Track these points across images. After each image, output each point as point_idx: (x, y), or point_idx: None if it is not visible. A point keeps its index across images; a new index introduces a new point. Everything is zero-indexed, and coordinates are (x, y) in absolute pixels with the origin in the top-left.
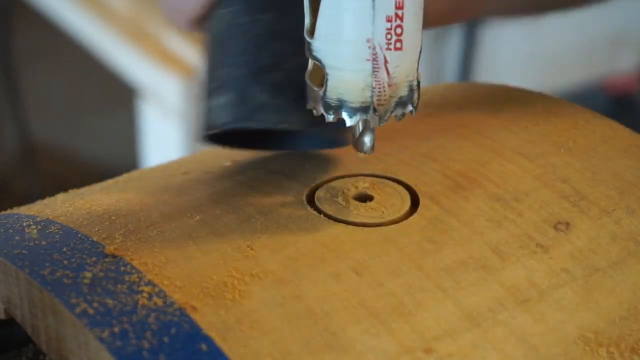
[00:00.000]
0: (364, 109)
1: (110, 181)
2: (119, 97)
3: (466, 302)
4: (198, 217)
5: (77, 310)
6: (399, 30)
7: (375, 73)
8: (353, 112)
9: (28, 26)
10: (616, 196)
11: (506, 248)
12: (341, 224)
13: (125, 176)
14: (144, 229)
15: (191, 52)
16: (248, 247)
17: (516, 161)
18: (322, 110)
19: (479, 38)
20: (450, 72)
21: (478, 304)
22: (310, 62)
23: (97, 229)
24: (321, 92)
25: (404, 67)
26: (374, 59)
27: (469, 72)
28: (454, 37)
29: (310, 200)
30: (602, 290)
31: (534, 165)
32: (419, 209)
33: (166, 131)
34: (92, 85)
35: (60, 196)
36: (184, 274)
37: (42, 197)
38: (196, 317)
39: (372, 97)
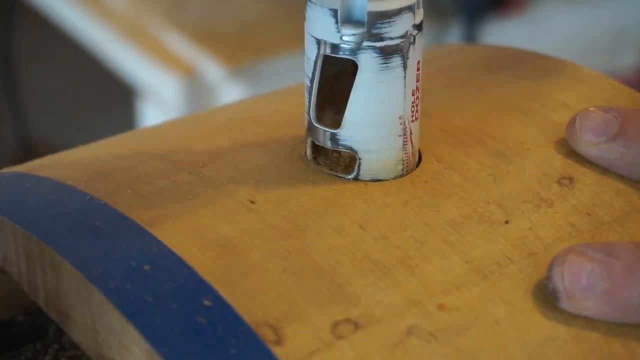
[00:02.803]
0: None
1: (106, 140)
2: (119, 96)
3: (472, 256)
4: (197, 173)
5: (79, 262)
6: (417, 102)
7: (405, 146)
8: None
9: (28, 26)
10: None
11: (510, 202)
12: (343, 178)
13: (121, 135)
14: (144, 184)
15: (191, 52)
16: (249, 201)
17: (517, 117)
18: None
19: (479, 38)
20: None
21: (484, 257)
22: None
23: (93, 185)
24: (351, 177)
25: (417, 133)
26: (403, 134)
27: None
28: (454, 37)
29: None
30: None
31: (536, 121)
32: (420, 164)
33: None
34: (92, 85)
35: (55, 155)
36: (185, 228)
37: None
38: (200, 269)
39: (402, 169)
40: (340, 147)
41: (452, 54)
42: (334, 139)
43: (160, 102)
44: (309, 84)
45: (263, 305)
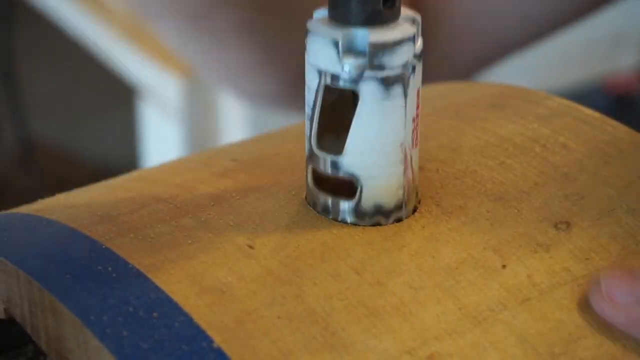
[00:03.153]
0: (398, 208)
1: (112, 180)
2: (119, 97)
3: (466, 302)
4: (198, 217)
5: (77, 308)
6: (417, 128)
7: (406, 172)
8: (389, 213)
9: (28, 26)
10: (616, 196)
11: (506, 247)
12: (341, 223)
13: (127, 175)
14: (144, 228)
15: None
16: (248, 246)
17: (517, 159)
18: (353, 219)
19: None
20: None
21: (478, 304)
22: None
23: (96, 228)
24: (353, 204)
25: (416, 159)
26: (404, 160)
27: None
28: None
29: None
30: None
31: (535, 163)
32: (419, 209)
33: (166, 131)
34: (92, 85)
35: (61, 195)
36: (184, 273)
37: (42, 197)
38: (197, 316)
39: (403, 194)
40: (341, 174)
41: (453, 92)
42: (335, 166)
43: (160, 102)
44: (310, 113)
45: (257, 351)
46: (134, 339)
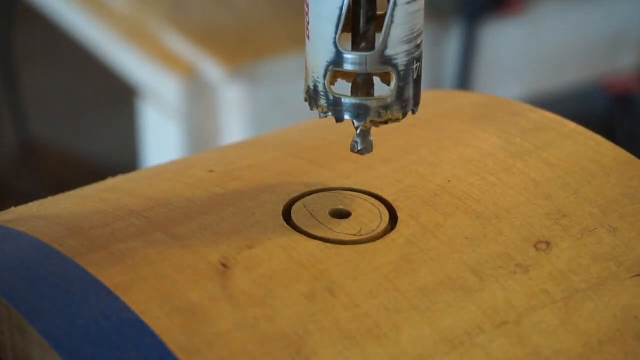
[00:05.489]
0: None
1: (87, 189)
2: (119, 97)
3: (443, 325)
4: (172, 232)
5: (44, 328)
6: None
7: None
8: None
9: (28, 26)
10: (598, 214)
11: (485, 268)
12: (317, 241)
13: (101, 184)
14: (116, 243)
15: (191, 52)
16: (222, 264)
17: (498, 176)
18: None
19: (479, 38)
20: (449, 73)
21: (455, 327)
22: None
23: (68, 243)
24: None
25: None
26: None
27: (469, 72)
28: (454, 37)
29: (287, 216)
30: (581, 313)
31: (516, 181)
32: (397, 226)
33: (166, 131)
34: (92, 85)
35: (34, 204)
36: (155, 293)
37: (42, 197)
38: (166, 337)
39: None
40: (386, 68)
41: (437, 102)
42: (382, 59)
43: (160, 102)
44: (339, 13)
45: None
46: None
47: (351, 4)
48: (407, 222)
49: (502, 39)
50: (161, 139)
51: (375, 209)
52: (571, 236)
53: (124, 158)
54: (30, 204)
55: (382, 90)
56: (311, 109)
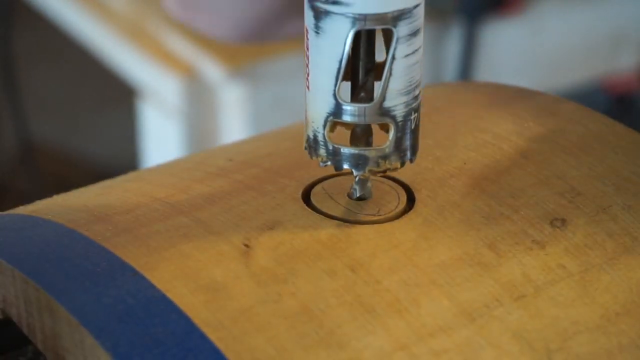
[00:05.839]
0: None
1: (109, 181)
2: (119, 96)
3: (461, 298)
4: (195, 216)
5: (73, 307)
6: None
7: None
8: None
9: (28, 26)
10: (612, 192)
11: (502, 244)
12: (337, 221)
13: (124, 176)
14: (140, 227)
15: (191, 52)
16: (244, 244)
17: (513, 158)
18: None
19: (479, 38)
20: (450, 72)
21: (473, 300)
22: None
23: (93, 228)
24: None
25: None
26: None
27: (469, 72)
28: (454, 37)
29: (306, 198)
30: (598, 286)
31: (530, 161)
32: (414, 206)
33: (166, 131)
34: (92, 84)
35: (58, 197)
36: (179, 272)
37: (42, 197)
38: (191, 313)
39: None
40: (384, 119)
41: (450, 92)
42: (380, 111)
43: (160, 102)
44: (338, 65)
45: (251, 349)
46: (129, 337)
47: (350, 56)
48: (425, 202)
49: (502, 39)
50: (161, 139)
51: (393, 190)
52: (586, 213)
53: (124, 158)
54: (54, 197)
55: (381, 136)
56: (310, 158)
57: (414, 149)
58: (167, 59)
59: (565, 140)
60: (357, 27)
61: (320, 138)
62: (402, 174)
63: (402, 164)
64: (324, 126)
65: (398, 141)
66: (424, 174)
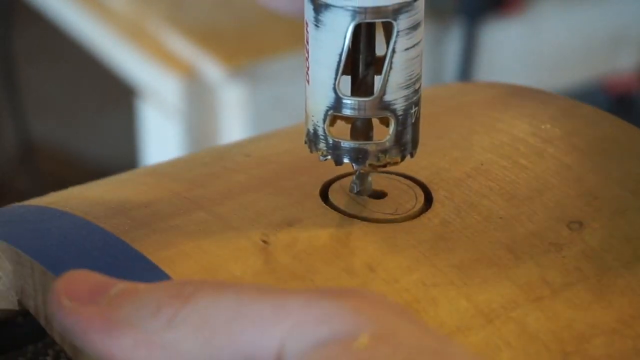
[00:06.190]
0: None
1: (124, 174)
2: (119, 96)
3: (479, 299)
4: (212, 211)
5: None
6: None
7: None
8: None
9: (28, 26)
10: (629, 197)
11: (519, 246)
12: (354, 219)
13: (139, 169)
14: (158, 221)
15: (191, 52)
16: (263, 241)
17: (530, 160)
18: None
19: (479, 38)
20: (450, 72)
21: (491, 301)
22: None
23: (110, 221)
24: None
25: None
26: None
27: (469, 72)
28: (454, 37)
29: (324, 196)
30: (614, 289)
31: (548, 164)
32: (432, 206)
33: (166, 131)
34: (92, 85)
35: (75, 188)
36: (198, 267)
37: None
38: None
39: None
40: (385, 114)
41: (463, 92)
42: (380, 105)
43: (160, 102)
44: (338, 59)
45: None
46: None
47: (350, 50)
48: (442, 202)
49: (502, 39)
50: (161, 138)
51: (410, 190)
52: (603, 217)
53: (124, 158)
54: (70, 188)
55: (381, 130)
56: (310, 152)
57: (414, 142)
58: (167, 59)
59: (582, 143)
60: (358, 20)
61: (320, 132)
62: (419, 174)
63: (403, 158)
64: (324, 120)
65: (398, 135)
66: (441, 174)
